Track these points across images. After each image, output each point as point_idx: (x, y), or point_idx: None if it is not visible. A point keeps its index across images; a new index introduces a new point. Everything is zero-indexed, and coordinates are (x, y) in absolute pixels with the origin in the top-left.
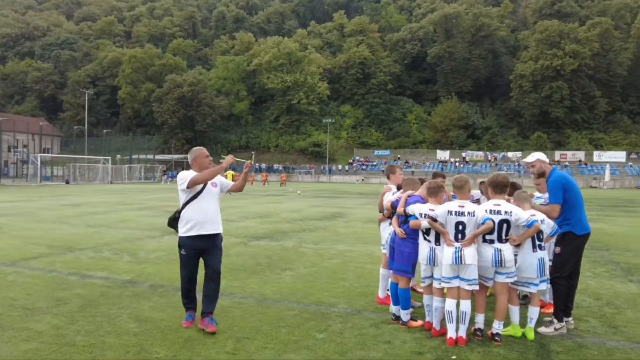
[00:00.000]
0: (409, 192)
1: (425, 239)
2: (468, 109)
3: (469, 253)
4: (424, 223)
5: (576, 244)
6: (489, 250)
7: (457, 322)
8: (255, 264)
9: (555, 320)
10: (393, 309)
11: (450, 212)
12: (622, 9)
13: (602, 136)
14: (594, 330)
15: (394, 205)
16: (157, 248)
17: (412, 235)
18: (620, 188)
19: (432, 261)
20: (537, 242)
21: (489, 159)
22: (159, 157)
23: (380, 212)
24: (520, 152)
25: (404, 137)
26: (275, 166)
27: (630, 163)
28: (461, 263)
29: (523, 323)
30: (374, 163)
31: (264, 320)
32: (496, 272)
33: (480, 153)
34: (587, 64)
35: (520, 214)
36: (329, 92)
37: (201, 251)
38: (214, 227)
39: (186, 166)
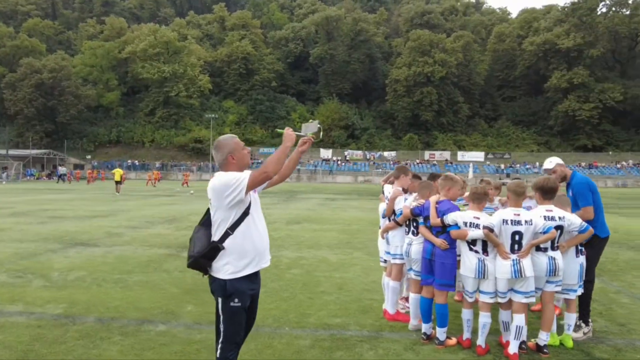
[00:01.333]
0: (435, 197)
1: (471, 249)
2: (348, 110)
3: (528, 264)
4: (473, 233)
5: (600, 246)
6: (543, 259)
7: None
8: None
9: (583, 324)
10: (424, 327)
11: (505, 222)
12: (478, 25)
13: (464, 138)
14: (610, 330)
15: (414, 212)
16: (72, 266)
17: (452, 246)
18: None
19: (482, 274)
20: (579, 247)
21: (368, 157)
22: (13, 152)
23: (387, 218)
24: (395, 152)
25: None
26: (153, 163)
27: (487, 162)
28: (521, 276)
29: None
30: (260, 161)
31: (282, 356)
32: (546, 281)
33: (360, 152)
34: (452, 72)
35: (573, 219)
36: (210, 85)
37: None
38: (268, 253)
39: (47, 162)
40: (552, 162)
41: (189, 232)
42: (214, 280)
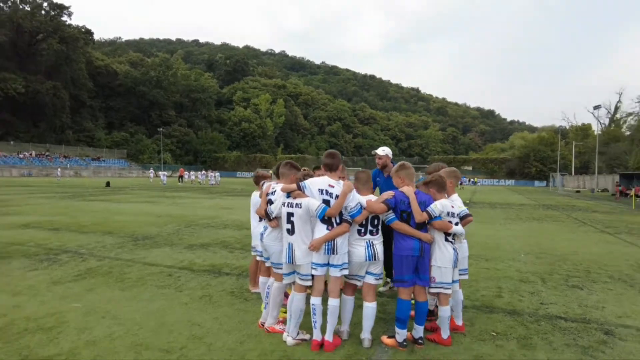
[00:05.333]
0: (408, 188)
1: (447, 239)
2: None
3: None
4: (457, 228)
5: None
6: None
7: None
8: None
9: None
10: (403, 334)
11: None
12: None
13: None
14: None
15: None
16: None
17: None
18: None
19: (456, 263)
20: None
21: None
22: None
23: (329, 220)
24: None
25: None
26: None
27: None
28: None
29: None
30: None
31: None
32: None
33: None
34: None
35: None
36: None
37: None
38: None
39: None
40: (384, 150)
41: None
42: None
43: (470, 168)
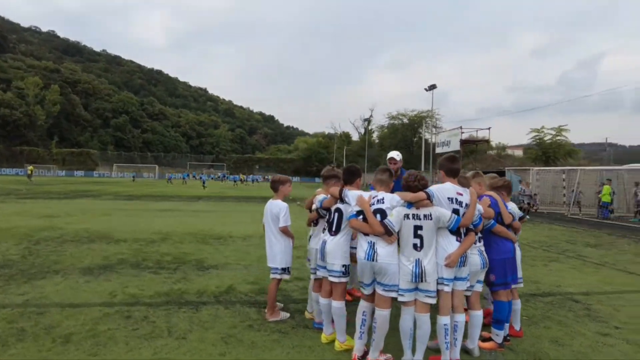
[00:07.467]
0: (492, 192)
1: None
2: None
3: None
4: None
5: None
6: None
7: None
8: None
9: None
10: (501, 333)
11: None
12: None
13: None
14: None
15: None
16: None
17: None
18: None
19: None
20: None
21: None
22: None
23: (459, 230)
24: None
25: None
26: None
27: None
28: None
29: None
30: None
31: None
32: None
33: None
34: None
35: None
36: None
37: None
38: None
39: None
40: (399, 155)
41: None
42: None
43: (257, 167)
